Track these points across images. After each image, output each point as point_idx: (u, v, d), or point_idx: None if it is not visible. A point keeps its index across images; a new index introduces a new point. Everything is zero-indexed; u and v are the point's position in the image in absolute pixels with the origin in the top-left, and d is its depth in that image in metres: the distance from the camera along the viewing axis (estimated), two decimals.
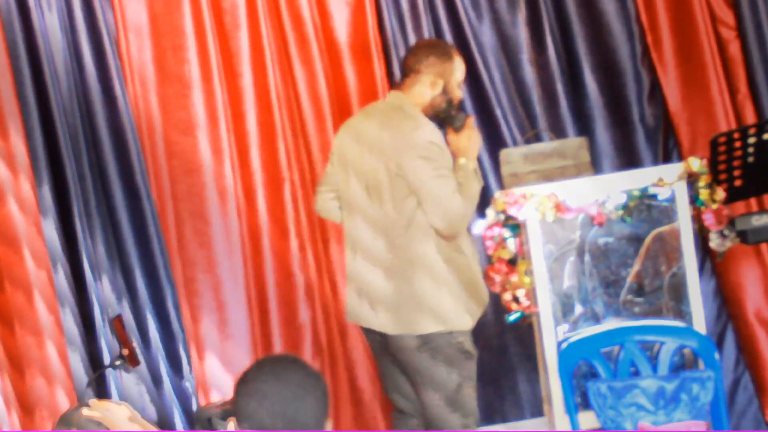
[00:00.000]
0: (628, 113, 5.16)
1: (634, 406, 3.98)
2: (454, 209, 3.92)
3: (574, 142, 4.50)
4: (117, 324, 4.45)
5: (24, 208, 4.67)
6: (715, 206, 4.13)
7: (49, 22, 4.73)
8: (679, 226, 4.12)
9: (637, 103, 5.16)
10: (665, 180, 4.10)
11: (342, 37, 5.06)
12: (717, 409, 4.01)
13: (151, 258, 4.86)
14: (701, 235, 4.39)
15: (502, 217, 4.13)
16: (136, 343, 4.64)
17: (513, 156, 4.37)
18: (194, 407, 4.86)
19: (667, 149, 5.16)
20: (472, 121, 4.19)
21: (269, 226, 5.00)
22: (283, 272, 5.00)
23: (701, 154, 4.45)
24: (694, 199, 4.15)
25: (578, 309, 4.12)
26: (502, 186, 4.51)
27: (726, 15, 5.08)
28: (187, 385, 4.88)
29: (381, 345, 4.18)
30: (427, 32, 5.05)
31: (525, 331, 4.60)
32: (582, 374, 4.12)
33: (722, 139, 4.12)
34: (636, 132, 5.16)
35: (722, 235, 4.18)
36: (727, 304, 5.11)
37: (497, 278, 4.20)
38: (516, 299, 4.13)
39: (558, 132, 5.06)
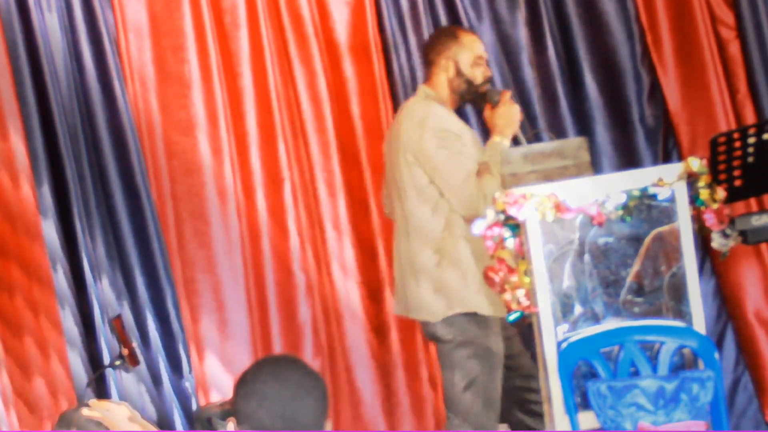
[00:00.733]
0: (628, 113, 5.16)
1: (633, 406, 3.97)
2: (468, 192, 4.08)
3: (574, 142, 4.49)
4: (117, 324, 4.45)
5: (23, 209, 4.67)
6: (716, 206, 4.13)
7: (49, 22, 4.73)
8: (679, 226, 4.11)
9: (637, 103, 5.16)
10: (665, 180, 4.10)
11: (342, 37, 5.06)
12: (717, 409, 4.01)
13: (151, 258, 4.86)
14: (701, 235, 4.38)
15: (502, 217, 4.13)
16: (136, 343, 4.64)
17: (513, 156, 4.36)
18: (194, 407, 4.86)
19: (667, 149, 5.17)
20: (508, 96, 4.25)
21: (269, 225, 5.00)
22: (283, 272, 5.00)
23: (701, 154, 4.44)
24: (694, 199, 4.15)
25: (578, 309, 4.12)
26: (502, 186, 4.51)
27: (726, 15, 5.08)
28: (187, 385, 4.88)
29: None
30: (427, 32, 5.05)
31: (525, 332, 4.60)
32: (582, 374, 4.11)
33: (722, 139, 4.12)
34: (636, 132, 5.16)
35: (724, 235, 4.18)
36: (727, 304, 5.11)
37: (497, 278, 4.20)
38: (516, 299, 4.12)
39: (558, 132, 5.05)
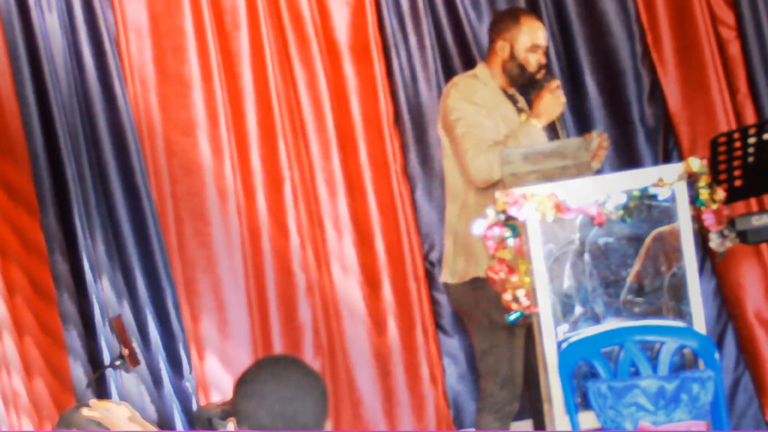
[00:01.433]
0: (628, 113, 5.16)
1: (634, 406, 3.97)
2: (474, 165, 4.21)
3: (574, 142, 4.49)
4: (117, 324, 4.45)
5: (23, 209, 4.68)
6: (715, 206, 4.13)
7: (49, 22, 4.73)
8: (680, 227, 4.11)
9: (637, 103, 5.16)
10: (665, 180, 4.09)
11: (342, 37, 5.06)
12: (717, 409, 4.01)
13: (151, 258, 4.86)
14: (701, 235, 4.38)
15: (502, 217, 4.13)
16: (136, 343, 4.64)
17: (513, 156, 4.36)
18: (194, 407, 4.86)
19: (667, 149, 5.16)
20: (554, 84, 4.28)
21: (269, 225, 5.00)
22: (283, 272, 5.00)
23: (701, 154, 4.44)
24: (694, 199, 4.15)
25: (578, 309, 4.12)
26: (502, 186, 4.50)
27: (726, 15, 5.08)
28: (187, 385, 4.88)
29: None
30: (427, 32, 5.05)
31: (525, 331, 4.59)
32: (582, 374, 4.11)
33: (722, 139, 4.12)
34: (636, 132, 5.16)
35: (722, 235, 4.18)
36: (727, 304, 5.11)
37: (497, 278, 4.20)
38: (516, 299, 4.12)
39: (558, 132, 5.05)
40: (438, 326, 5.15)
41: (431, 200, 5.12)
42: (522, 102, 4.46)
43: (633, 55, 5.15)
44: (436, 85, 5.07)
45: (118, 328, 4.42)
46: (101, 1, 4.85)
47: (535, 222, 4.07)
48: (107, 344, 4.68)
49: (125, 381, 4.72)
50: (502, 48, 4.35)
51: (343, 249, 5.07)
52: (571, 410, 4.07)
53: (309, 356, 4.98)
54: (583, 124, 5.14)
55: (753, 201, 4.93)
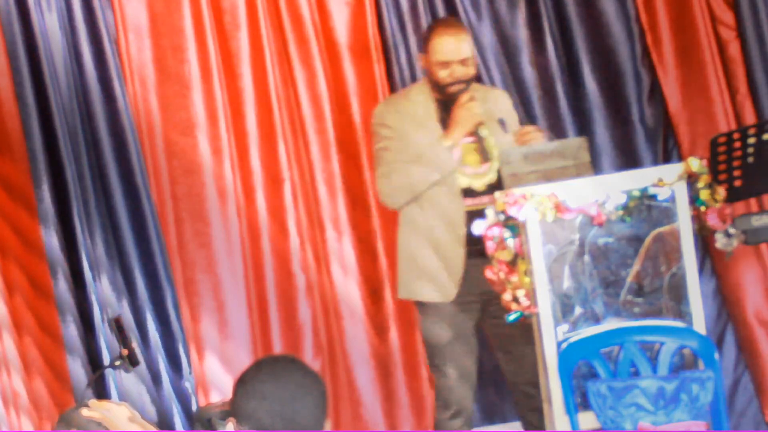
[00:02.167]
0: (628, 113, 5.16)
1: (633, 407, 3.97)
2: (380, 188, 4.25)
3: (574, 142, 4.49)
4: (117, 324, 4.44)
5: (23, 209, 4.67)
6: (717, 206, 4.13)
7: (48, 22, 4.73)
8: (679, 227, 4.11)
9: (637, 103, 5.16)
10: (665, 180, 4.09)
11: (342, 37, 5.06)
12: (717, 409, 4.01)
13: (151, 258, 4.86)
14: (701, 236, 4.38)
15: (502, 217, 4.13)
16: (135, 343, 4.64)
17: (513, 156, 4.36)
18: (194, 407, 4.86)
19: (667, 149, 5.16)
20: (465, 98, 4.21)
21: (269, 226, 5.00)
22: (282, 272, 5.00)
23: (701, 154, 4.44)
24: (694, 200, 4.15)
25: (578, 309, 4.12)
26: (502, 186, 4.50)
27: (726, 15, 5.08)
28: (187, 385, 4.88)
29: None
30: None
31: (525, 331, 4.59)
32: (582, 374, 4.11)
33: (722, 140, 4.12)
34: (636, 132, 5.16)
35: (728, 235, 4.17)
36: (727, 305, 5.10)
37: (496, 278, 4.20)
38: (516, 299, 4.12)
39: (558, 132, 5.05)
40: None
41: None
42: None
43: (633, 55, 5.15)
44: None
45: (117, 328, 4.42)
46: (101, 1, 4.85)
47: (535, 222, 4.07)
48: (107, 344, 4.68)
49: (125, 381, 4.72)
50: (422, 62, 4.33)
51: (343, 249, 5.07)
52: (571, 410, 4.07)
53: (309, 356, 4.99)
54: (583, 124, 5.14)
55: (753, 201, 4.93)
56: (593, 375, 4.07)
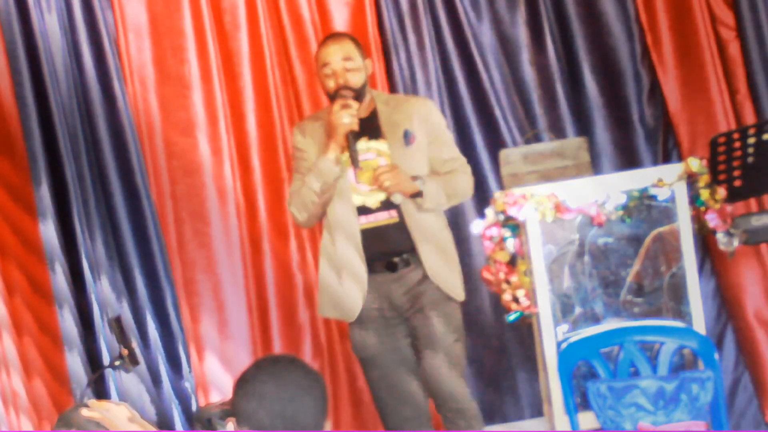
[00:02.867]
0: (628, 113, 5.16)
1: (633, 407, 3.97)
2: (288, 207, 4.13)
3: (573, 142, 4.50)
4: (117, 324, 4.45)
5: (23, 210, 4.67)
6: (717, 206, 4.13)
7: (48, 22, 4.73)
8: (679, 227, 4.11)
9: (637, 103, 5.16)
10: (665, 180, 4.10)
11: None
12: (717, 409, 4.01)
13: (151, 258, 4.86)
14: (701, 236, 4.38)
15: (501, 217, 4.13)
16: (135, 343, 4.64)
17: (513, 156, 4.36)
18: (194, 407, 4.86)
19: (667, 149, 5.16)
20: (337, 106, 3.98)
21: (269, 226, 4.99)
22: (282, 272, 5.00)
23: (701, 154, 4.44)
24: (693, 200, 4.15)
25: (578, 309, 4.12)
26: (501, 186, 4.51)
27: (726, 15, 5.07)
28: (187, 385, 4.88)
29: None
30: (426, 32, 5.05)
31: (525, 331, 4.60)
32: (582, 374, 4.11)
33: (722, 140, 4.12)
34: (636, 132, 5.15)
35: (729, 234, 4.17)
36: (726, 305, 5.10)
37: (494, 279, 4.20)
38: (516, 299, 4.12)
39: (558, 132, 5.05)
40: None
41: None
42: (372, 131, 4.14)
43: (633, 55, 5.15)
44: (435, 85, 5.07)
45: (117, 328, 4.42)
46: (101, 1, 4.85)
47: (535, 222, 4.08)
48: (107, 344, 4.68)
49: (125, 381, 4.72)
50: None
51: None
52: (571, 410, 4.07)
53: (308, 356, 4.98)
54: (582, 124, 5.14)
55: (753, 201, 4.93)
56: (593, 375, 4.08)
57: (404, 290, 4.06)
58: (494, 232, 4.14)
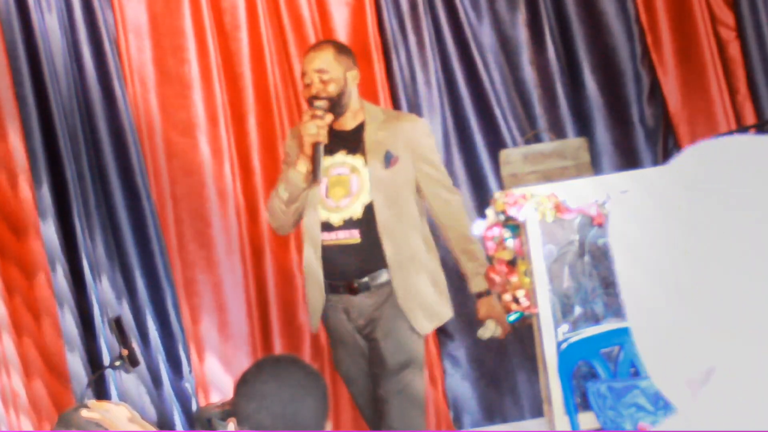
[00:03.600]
0: (628, 113, 5.16)
1: (634, 407, 3.97)
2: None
3: (574, 142, 4.50)
4: (117, 324, 4.44)
5: (23, 209, 4.67)
6: None
7: (48, 22, 4.73)
8: None
9: (637, 104, 5.16)
10: None
11: (342, 38, 5.06)
12: None
13: (151, 258, 4.86)
14: None
15: (502, 217, 4.13)
16: (135, 344, 4.64)
17: (513, 156, 4.36)
18: (194, 408, 4.86)
19: (667, 149, 5.16)
20: (306, 115, 3.98)
21: (269, 226, 4.99)
22: (283, 273, 5.00)
23: None
24: None
25: (578, 309, 4.12)
26: (502, 186, 4.51)
27: (726, 15, 5.08)
28: (187, 385, 4.88)
29: None
30: (426, 32, 5.05)
31: (525, 332, 4.60)
32: (582, 375, 4.11)
33: None
34: (636, 132, 5.16)
35: None
36: None
37: (497, 279, 4.20)
38: (516, 299, 4.12)
39: (558, 132, 5.05)
40: (438, 327, 5.14)
41: None
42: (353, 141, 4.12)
43: (633, 55, 5.15)
44: (435, 85, 5.07)
45: (117, 328, 4.42)
46: (101, 1, 4.85)
47: (535, 222, 4.08)
48: (107, 344, 4.68)
49: (125, 381, 4.72)
50: None
51: None
52: (571, 411, 4.07)
53: (309, 357, 4.98)
54: (583, 124, 5.14)
55: None
56: (593, 375, 4.08)
57: (359, 313, 4.05)
58: (496, 232, 4.14)
